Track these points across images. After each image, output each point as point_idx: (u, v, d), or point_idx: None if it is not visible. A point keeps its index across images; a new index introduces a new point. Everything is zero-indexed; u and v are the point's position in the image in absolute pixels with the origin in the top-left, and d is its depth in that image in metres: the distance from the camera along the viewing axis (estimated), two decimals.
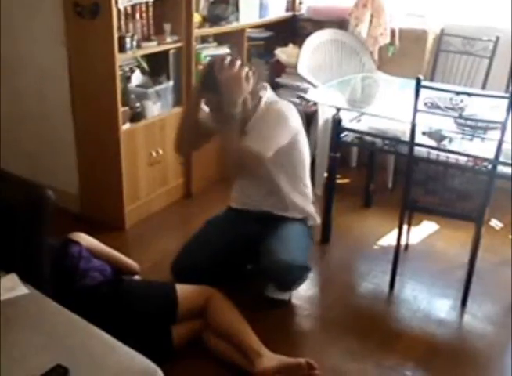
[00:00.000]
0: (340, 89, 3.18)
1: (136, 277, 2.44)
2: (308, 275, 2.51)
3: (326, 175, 3.08)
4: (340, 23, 3.90)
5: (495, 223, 3.28)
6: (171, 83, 3.25)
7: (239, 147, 2.25)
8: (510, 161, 2.41)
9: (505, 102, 2.22)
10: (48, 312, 1.68)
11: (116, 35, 2.79)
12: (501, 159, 2.35)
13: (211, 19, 3.50)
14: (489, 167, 2.39)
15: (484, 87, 3.48)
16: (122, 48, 2.87)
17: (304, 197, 2.59)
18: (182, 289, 2.20)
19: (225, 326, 2.16)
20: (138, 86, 3.12)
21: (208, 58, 3.51)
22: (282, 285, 2.49)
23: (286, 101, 2.53)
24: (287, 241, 2.41)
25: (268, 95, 2.43)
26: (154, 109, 3.14)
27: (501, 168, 2.42)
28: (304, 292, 2.67)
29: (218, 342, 2.18)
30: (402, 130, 2.69)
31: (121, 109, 2.94)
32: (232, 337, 2.14)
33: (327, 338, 2.39)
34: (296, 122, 2.43)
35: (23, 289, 1.76)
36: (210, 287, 2.26)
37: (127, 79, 3.08)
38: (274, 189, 2.49)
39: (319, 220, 2.70)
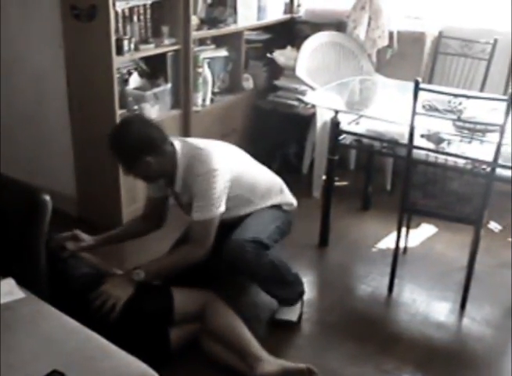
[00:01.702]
0: (339, 92, 3.18)
1: (118, 271, 2.38)
2: (265, 253, 2.30)
3: (324, 177, 3.07)
4: (338, 25, 3.90)
5: (493, 226, 3.28)
6: (169, 85, 3.25)
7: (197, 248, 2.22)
8: (508, 164, 2.41)
9: (503, 104, 2.22)
10: (44, 316, 1.67)
11: (113, 38, 2.79)
12: (500, 162, 2.34)
13: (209, 22, 3.50)
14: (488, 169, 2.38)
15: (482, 89, 3.47)
16: (120, 51, 2.87)
17: (269, 192, 2.49)
18: (179, 292, 2.18)
19: (223, 330, 2.15)
20: (135, 89, 3.12)
21: (207, 60, 3.52)
22: (240, 267, 2.32)
23: (205, 143, 2.35)
24: (245, 225, 2.34)
25: (183, 148, 2.27)
26: (152, 111, 3.13)
27: (500, 171, 2.41)
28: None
29: (215, 346, 2.17)
30: (400, 133, 2.69)
31: (119, 111, 2.93)
32: (231, 341, 2.13)
33: (326, 342, 2.38)
34: (222, 159, 2.28)
35: (19, 293, 1.75)
36: (208, 291, 2.25)
37: (124, 82, 3.08)
38: (238, 207, 2.40)
39: (295, 203, 2.58)
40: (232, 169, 2.30)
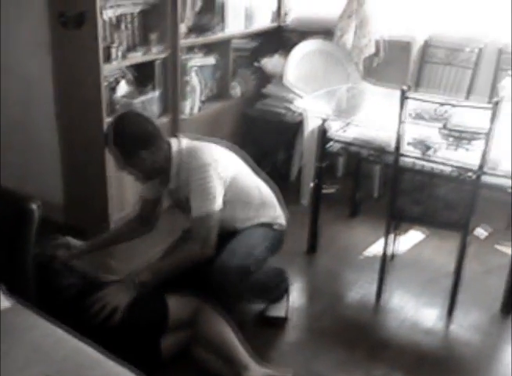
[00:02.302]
0: (326, 99, 3.19)
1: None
2: (248, 278, 2.29)
3: (312, 184, 3.08)
4: (325, 33, 3.93)
5: (480, 232, 3.30)
6: (156, 93, 3.25)
7: (197, 247, 2.22)
8: (493, 171, 2.44)
9: (489, 112, 2.24)
10: (32, 325, 1.65)
11: (101, 45, 2.79)
12: (485, 169, 2.36)
13: (197, 30, 3.51)
14: (474, 176, 2.41)
15: (468, 97, 3.51)
16: (107, 59, 2.87)
17: (263, 206, 2.48)
18: (171, 299, 2.17)
19: (213, 338, 2.14)
20: (123, 96, 3.11)
21: (194, 68, 3.52)
22: (225, 292, 2.34)
23: (200, 143, 2.38)
24: (229, 249, 2.31)
25: (178, 146, 2.31)
26: None
27: (485, 178, 2.44)
28: (291, 303, 2.66)
29: (205, 354, 2.16)
30: (387, 140, 2.70)
31: (107, 119, 2.92)
32: (220, 349, 2.13)
33: (315, 349, 2.38)
34: (216, 156, 2.31)
35: (6, 302, 1.73)
36: (199, 299, 2.23)
37: (112, 89, 3.07)
38: (233, 214, 2.40)
39: (284, 222, 2.54)
40: (227, 168, 2.32)
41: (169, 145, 2.30)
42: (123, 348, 1.76)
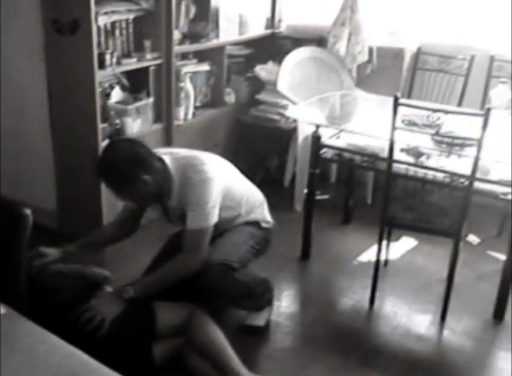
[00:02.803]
0: (320, 106, 3.21)
1: (108, 289, 2.36)
2: (230, 274, 2.28)
3: (305, 191, 3.09)
4: (319, 40, 3.95)
5: (472, 239, 3.32)
6: (151, 100, 3.25)
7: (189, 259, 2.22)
8: (485, 177, 2.46)
9: (480, 119, 2.26)
10: (25, 332, 1.65)
11: (95, 52, 2.79)
12: (477, 175, 2.38)
13: (191, 37, 3.52)
14: (466, 183, 2.42)
15: (460, 104, 3.54)
16: (102, 65, 2.87)
17: (251, 206, 2.49)
18: (162, 306, 2.17)
19: (206, 344, 2.14)
20: (117, 103, 3.12)
21: (189, 74, 3.53)
22: (210, 289, 2.33)
23: (197, 154, 2.35)
24: (217, 245, 2.32)
25: (173, 160, 2.27)
26: (134, 126, 3.13)
27: (477, 184, 2.46)
28: (284, 309, 2.67)
29: (198, 361, 2.15)
30: (380, 147, 2.72)
31: (101, 125, 2.93)
32: (213, 355, 2.12)
33: (308, 356, 2.38)
34: (216, 169, 2.29)
35: (1, 309, 1.73)
36: (191, 305, 2.23)
37: (106, 96, 3.07)
38: (222, 217, 2.36)
39: (270, 219, 2.56)
40: (223, 180, 2.31)
41: (164, 163, 2.25)
42: (113, 356, 1.75)
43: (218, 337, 2.15)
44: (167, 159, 2.27)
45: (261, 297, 2.49)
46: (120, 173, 2.16)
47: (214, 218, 2.23)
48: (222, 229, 2.39)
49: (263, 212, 2.55)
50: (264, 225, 2.52)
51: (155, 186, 2.21)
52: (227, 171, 2.45)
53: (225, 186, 2.32)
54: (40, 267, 2.25)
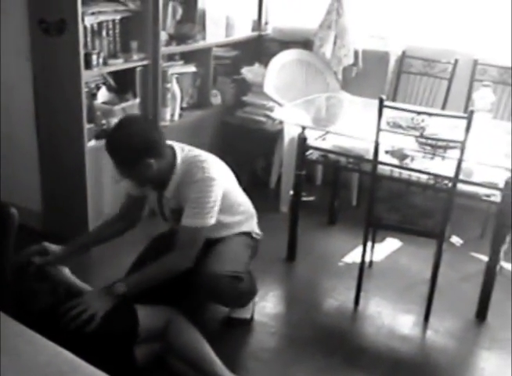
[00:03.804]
0: (306, 108, 3.23)
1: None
2: (242, 285, 2.34)
3: (291, 192, 3.11)
4: (305, 43, 3.98)
5: (456, 240, 3.35)
6: (137, 100, 3.25)
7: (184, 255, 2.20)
8: (468, 179, 2.49)
9: (463, 122, 2.30)
10: (11, 331, 1.65)
11: (82, 52, 2.79)
12: (461, 177, 2.42)
13: (178, 38, 3.52)
14: (449, 185, 2.45)
15: (444, 107, 3.58)
16: (88, 65, 2.86)
17: (246, 216, 2.50)
18: (142, 310, 2.12)
19: (185, 349, 2.11)
20: (104, 103, 3.11)
21: (175, 75, 3.54)
22: (215, 299, 2.41)
23: (204, 154, 2.34)
24: (218, 255, 2.32)
25: (182, 153, 2.27)
26: None
27: (461, 186, 2.49)
28: (269, 310, 2.68)
29: (180, 364, 2.13)
30: (365, 148, 2.75)
31: (87, 126, 2.92)
32: (193, 360, 2.10)
33: (293, 356, 2.39)
34: (219, 172, 2.30)
35: None
36: (170, 309, 2.20)
37: (93, 96, 3.07)
38: (218, 224, 2.34)
39: (259, 231, 2.59)
40: (224, 183, 2.30)
41: (174, 152, 2.25)
42: (95, 357, 1.74)
43: (198, 341, 2.13)
44: (177, 150, 2.26)
45: (249, 292, 2.51)
46: (125, 151, 2.13)
47: (212, 218, 2.21)
48: (214, 237, 2.37)
49: (254, 224, 2.57)
50: (254, 236, 2.55)
51: (158, 171, 2.18)
52: (227, 176, 2.44)
53: (225, 189, 2.31)
54: (41, 264, 2.23)
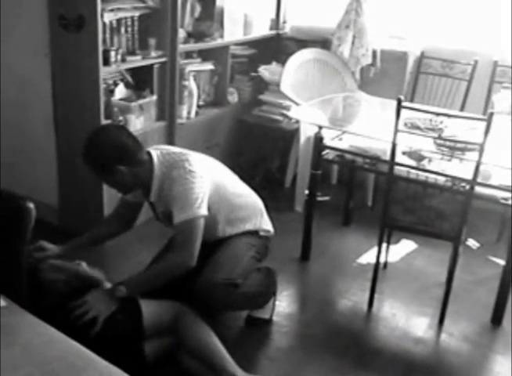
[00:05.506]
0: (322, 108, 3.22)
1: (107, 285, 2.28)
2: (241, 290, 2.28)
3: (306, 192, 3.10)
4: (322, 42, 3.97)
5: (472, 243, 3.33)
6: (154, 97, 3.26)
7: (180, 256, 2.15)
8: (486, 182, 2.47)
9: (483, 124, 2.27)
10: (25, 325, 1.66)
11: (101, 48, 2.80)
12: (478, 179, 2.39)
13: (196, 36, 3.53)
14: (467, 187, 2.43)
15: (462, 109, 3.54)
16: (106, 62, 2.88)
17: (248, 213, 2.45)
18: (147, 305, 2.11)
19: (195, 344, 2.10)
20: (121, 99, 3.13)
21: (192, 73, 3.55)
22: (212, 307, 2.35)
23: (184, 151, 2.30)
24: (213, 262, 2.27)
25: (160, 157, 2.23)
26: (137, 123, 3.14)
27: (478, 189, 2.46)
28: (282, 309, 2.68)
29: (192, 361, 2.13)
30: (382, 149, 2.73)
31: (104, 121, 2.94)
32: (205, 356, 2.09)
33: (306, 355, 2.39)
34: (203, 165, 2.26)
35: (2, 301, 1.73)
36: (179, 304, 2.18)
37: (110, 92, 3.08)
38: (216, 223, 2.35)
39: (272, 229, 2.53)
40: (212, 178, 2.26)
41: (151, 157, 2.22)
42: (103, 352, 1.73)
43: (208, 337, 2.12)
44: (153, 153, 2.24)
45: (266, 293, 2.50)
46: (98, 159, 2.16)
47: (201, 209, 2.14)
48: (215, 238, 2.36)
49: (261, 221, 2.49)
50: (262, 234, 2.48)
51: (134, 178, 2.18)
52: (216, 168, 2.41)
53: (215, 181, 2.28)
54: (38, 260, 2.24)
